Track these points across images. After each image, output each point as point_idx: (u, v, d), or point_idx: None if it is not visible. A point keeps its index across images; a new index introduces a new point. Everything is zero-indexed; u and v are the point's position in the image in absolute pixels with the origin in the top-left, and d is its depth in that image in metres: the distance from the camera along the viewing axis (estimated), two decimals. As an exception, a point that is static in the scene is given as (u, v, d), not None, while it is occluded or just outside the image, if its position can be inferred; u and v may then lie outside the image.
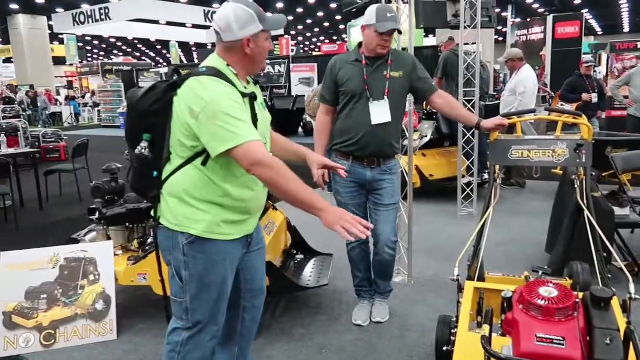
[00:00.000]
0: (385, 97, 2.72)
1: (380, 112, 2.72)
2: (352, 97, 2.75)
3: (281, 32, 21.95)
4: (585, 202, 2.51)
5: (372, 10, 2.69)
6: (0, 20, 24.22)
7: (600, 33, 34.87)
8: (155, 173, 1.82)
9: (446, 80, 5.54)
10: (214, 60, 1.82)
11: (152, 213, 1.89)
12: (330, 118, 2.88)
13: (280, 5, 22.98)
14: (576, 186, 2.59)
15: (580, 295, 1.84)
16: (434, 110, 5.82)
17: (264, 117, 1.90)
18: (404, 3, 3.46)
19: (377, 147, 2.76)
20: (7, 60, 27.14)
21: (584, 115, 2.61)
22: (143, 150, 1.80)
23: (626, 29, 33.80)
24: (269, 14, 1.84)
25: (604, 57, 15.65)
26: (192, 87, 1.70)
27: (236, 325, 2.11)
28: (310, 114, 6.56)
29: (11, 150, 6.27)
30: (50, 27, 22.78)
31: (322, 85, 2.94)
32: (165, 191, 1.81)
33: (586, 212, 2.42)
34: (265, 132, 1.88)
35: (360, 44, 2.82)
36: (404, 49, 3.45)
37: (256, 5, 1.80)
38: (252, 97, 1.80)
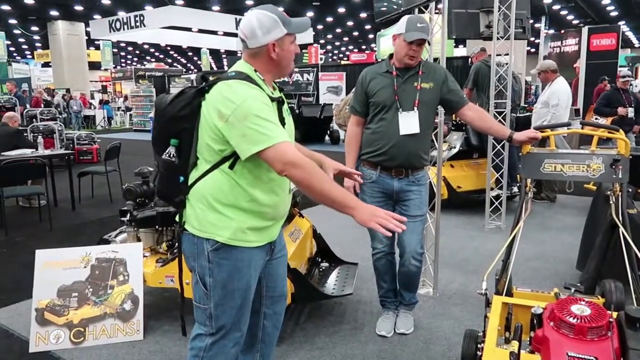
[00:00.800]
0: (415, 108, 2.71)
1: (409, 122, 2.72)
2: (382, 108, 2.75)
3: (310, 40, 22.13)
4: (620, 218, 2.44)
5: (404, 19, 2.70)
6: (40, 26, 25.14)
7: (637, 45, 33.96)
8: (182, 178, 1.82)
9: (477, 92, 5.48)
10: (241, 65, 1.83)
11: (177, 218, 1.89)
12: (361, 129, 2.88)
13: (310, 14, 23.18)
14: (611, 202, 2.52)
15: (614, 314, 1.79)
16: (463, 122, 5.78)
17: (290, 122, 1.92)
18: (437, 13, 3.45)
19: (406, 158, 2.75)
20: (46, 65, 28.10)
21: (621, 130, 2.54)
22: (170, 156, 1.81)
23: (665, 41, 32.87)
24: (294, 18, 1.85)
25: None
26: (221, 90, 1.71)
27: (257, 332, 2.11)
28: (339, 122, 6.55)
29: (47, 152, 6.46)
30: (87, 33, 23.50)
31: (353, 97, 2.96)
32: (191, 196, 1.81)
33: (621, 229, 2.36)
34: (291, 137, 1.88)
35: (391, 55, 2.82)
36: (435, 60, 3.44)
37: (280, 10, 1.81)
38: (280, 102, 1.83)
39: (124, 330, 2.98)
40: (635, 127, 6.61)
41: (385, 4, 4.09)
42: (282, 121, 1.81)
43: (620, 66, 11.78)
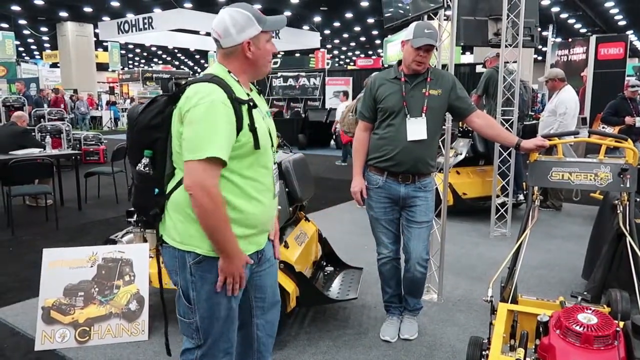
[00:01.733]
0: (423, 115, 2.72)
1: (416, 128, 2.72)
2: (390, 114, 2.76)
3: (317, 45, 22.19)
4: (628, 228, 2.43)
5: (412, 26, 2.73)
6: (49, 27, 25.33)
7: (644, 55, 33.83)
8: (157, 190, 1.74)
9: (486, 98, 5.46)
10: (214, 67, 1.77)
11: (156, 232, 1.80)
12: (369, 135, 2.89)
13: (317, 18, 23.27)
14: (619, 211, 2.52)
15: (621, 324, 1.79)
16: (470, 128, 5.78)
17: (265, 125, 1.80)
18: (445, 20, 3.46)
19: (413, 164, 2.75)
20: (54, 65, 28.30)
21: (629, 139, 2.54)
22: (144, 167, 1.73)
23: (673, 51, 32.70)
24: (269, 16, 1.79)
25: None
26: (187, 94, 1.64)
27: (252, 343, 2.03)
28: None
29: (55, 152, 6.51)
30: (96, 35, 23.67)
31: (362, 103, 2.97)
32: (169, 207, 1.73)
33: (629, 239, 2.35)
34: (267, 141, 1.78)
35: (400, 62, 2.83)
36: (443, 66, 3.45)
37: (254, 8, 1.75)
38: (252, 105, 1.71)
39: (129, 330, 2.99)
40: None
41: (392, 10, 4.11)
42: (253, 125, 1.69)
43: (628, 75, 11.74)
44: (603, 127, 6.58)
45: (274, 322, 2.08)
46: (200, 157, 1.56)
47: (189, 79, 1.74)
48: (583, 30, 25.11)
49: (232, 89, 1.67)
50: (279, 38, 20.90)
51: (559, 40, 15.92)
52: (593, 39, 11.32)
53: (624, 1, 19.50)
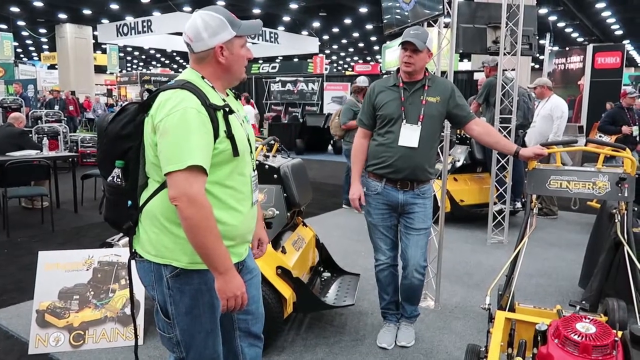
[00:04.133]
0: (419, 123, 2.72)
1: (409, 135, 2.72)
2: (389, 121, 2.76)
3: (315, 50, 22.24)
4: (626, 237, 2.43)
5: (404, 31, 2.75)
6: (48, 29, 25.31)
7: (641, 65, 34.09)
8: (130, 202, 1.67)
9: (487, 106, 5.47)
10: (187, 73, 1.69)
11: (130, 246, 1.74)
12: (367, 141, 2.89)
13: (316, 24, 23.33)
14: (616, 220, 2.52)
15: (619, 333, 1.78)
16: (468, 135, 5.79)
17: (243, 131, 1.73)
18: (445, 28, 3.48)
19: (411, 171, 2.75)
20: (52, 67, 28.27)
21: (627, 149, 2.55)
22: (116, 179, 1.65)
23: (669, 61, 32.97)
24: (244, 21, 1.73)
25: (645, 89, 15.31)
26: (159, 102, 1.57)
27: (237, 357, 1.93)
28: (332, 132, 6.72)
29: (52, 153, 6.48)
30: (95, 37, 23.67)
31: (361, 110, 2.97)
32: (143, 219, 1.65)
33: (626, 248, 2.35)
34: (245, 148, 1.71)
35: (399, 69, 2.84)
36: (443, 73, 3.46)
37: (227, 12, 1.67)
38: (228, 111, 1.63)
39: (124, 334, 2.97)
40: (639, 146, 6.61)
41: (392, 16, 4.12)
42: (230, 131, 1.61)
43: (624, 85, 11.80)
44: (600, 136, 6.61)
45: (259, 335, 1.98)
46: (180, 167, 1.48)
47: (162, 86, 1.67)
48: (580, 39, 25.26)
49: (206, 95, 1.59)
50: (278, 43, 20.96)
51: (556, 48, 16.01)
52: (590, 48, 11.39)
53: (621, 11, 19.65)
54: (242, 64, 1.73)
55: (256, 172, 1.83)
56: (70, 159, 6.99)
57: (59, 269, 3.02)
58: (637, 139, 6.44)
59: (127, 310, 3.00)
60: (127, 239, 3.34)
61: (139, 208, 1.66)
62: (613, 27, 22.66)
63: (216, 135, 1.58)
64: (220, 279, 1.57)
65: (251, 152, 1.79)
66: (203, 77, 1.67)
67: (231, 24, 1.65)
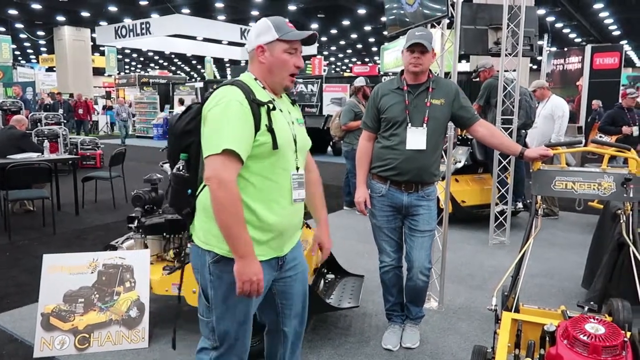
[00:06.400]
0: (424, 125, 2.73)
1: (416, 138, 2.72)
2: (393, 124, 2.76)
3: (314, 52, 22.26)
4: (631, 237, 2.44)
5: (407, 33, 2.75)
6: (46, 31, 25.29)
7: (639, 65, 34.18)
8: (190, 191, 1.83)
9: (488, 107, 5.47)
10: (243, 74, 1.85)
11: (187, 231, 1.89)
12: (372, 144, 2.89)
13: (314, 25, 23.36)
14: (622, 221, 2.52)
15: (628, 334, 1.79)
16: (469, 136, 5.81)
17: (289, 129, 1.82)
18: (449, 29, 3.49)
19: (416, 173, 2.75)
20: (50, 69, 28.24)
21: (632, 149, 2.55)
22: (180, 169, 1.83)
23: (666, 62, 33.10)
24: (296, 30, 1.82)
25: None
26: (210, 98, 1.74)
27: (277, 350, 2.07)
28: (332, 134, 6.74)
29: (53, 156, 6.47)
30: (93, 39, 23.65)
31: (365, 112, 2.98)
32: (197, 207, 1.81)
33: (632, 248, 2.35)
34: (288, 144, 1.79)
35: (402, 72, 2.84)
36: (447, 74, 3.46)
37: (282, 19, 1.81)
38: (272, 107, 1.74)
39: (129, 337, 2.96)
40: (639, 146, 6.63)
41: (394, 17, 4.13)
42: (271, 126, 1.72)
43: (622, 85, 11.83)
44: (601, 137, 6.62)
45: (300, 331, 2.08)
46: (216, 151, 1.61)
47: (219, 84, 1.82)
48: (578, 40, 25.35)
49: (252, 92, 1.73)
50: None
51: (554, 49, 16.05)
52: (588, 49, 11.41)
53: (619, 11, 19.73)
54: (284, 69, 1.81)
55: (302, 173, 1.90)
56: (70, 162, 6.98)
57: (63, 271, 3.01)
58: (638, 138, 6.44)
59: (132, 313, 3.00)
60: (131, 241, 3.36)
61: (195, 197, 1.82)
62: (611, 27, 22.75)
63: (258, 128, 1.69)
64: (239, 262, 1.66)
65: (296, 151, 1.86)
66: (256, 79, 1.81)
67: (277, 29, 1.78)
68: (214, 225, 1.70)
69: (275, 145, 1.71)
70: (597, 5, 18.49)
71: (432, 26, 3.52)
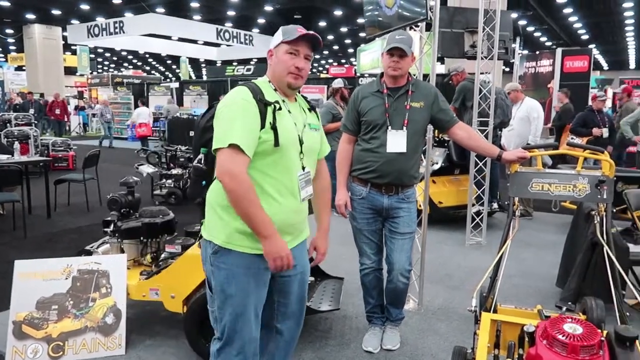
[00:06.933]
0: (404, 128, 2.74)
1: (396, 141, 2.74)
2: (373, 127, 2.77)
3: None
4: (605, 238, 2.50)
5: (388, 36, 2.76)
6: (15, 29, 24.58)
7: (606, 68, 35.21)
8: (204, 182, 2.01)
9: (464, 109, 5.55)
10: (261, 77, 1.97)
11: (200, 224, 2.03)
12: (352, 147, 2.90)
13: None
14: (596, 222, 2.58)
15: (604, 333, 1.83)
16: (446, 138, 5.88)
17: (294, 130, 1.88)
18: (427, 31, 3.52)
19: (396, 175, 2.77)
20: (19, 68, 27.47)
21: (605, 152, 2.62)
22: (199, 162, 2.03)
23: (632, 65, 34.16)
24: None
25: (610, 92, 15.80)
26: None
27: (268, 345, 2.11)
28: None
29: (24, 158, 6.29)
30: (64, 38, 23.10)
31: (345, 115, 2.98)
32: (206, 199, 1.92)
33: (606, 248, 2.41)
34: (291, 143, 1.86)
35: (382, 74, 2.85)
36: (425, 76, 3.49)
37: (294, 26, 1.89)
38: (278, 107, 1.83)
39: (105, 344, 2.90)
40: (609, 147, 6.82)
41: (370, 20, 4.14)
42: (274, 124, 1.79)
43: (592, 88, 12.16)
44: (572, 138, 6.79)
45: (294, 332, 2.14)
46: (223, 145, 1.71)
47: None
48: (548, 43, 25.94)
49: (262, 92, 1.83)
50: (253, 45, 20.84)
51: (525, 52, 16.38)
52: (559, 52, 11.69)
53: (587, 16, 20.28)
54: (284, 68, 1.88)
55: (309, 170, 1.98)
56: (41, 164, 6.79)
57: (36, 278, 2.93)
58: (607, 140, 6.63)
59: (108, 320, 2.93)
60: (107, 246, 3.29)
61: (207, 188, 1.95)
62: (580, 31, 23.36)
63: (262, 125, 1.78)
64: (266, 243, 1.76)
65: (302, 152, 1.92)
66: (269, 81, 1.92)
67: (284, 33, 1.88)
68: (213, 215, 1.84)
69: (276, 143, 1.79)
70: (567, 10, 18.97)
71: (411, 29, 3.54)
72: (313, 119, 2.05)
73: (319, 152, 2.12)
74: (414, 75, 3.16)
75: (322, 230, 2.25)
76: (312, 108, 2.08)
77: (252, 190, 1.73)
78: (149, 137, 14.79)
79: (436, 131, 4.57)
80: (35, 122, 11.21)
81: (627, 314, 2.34)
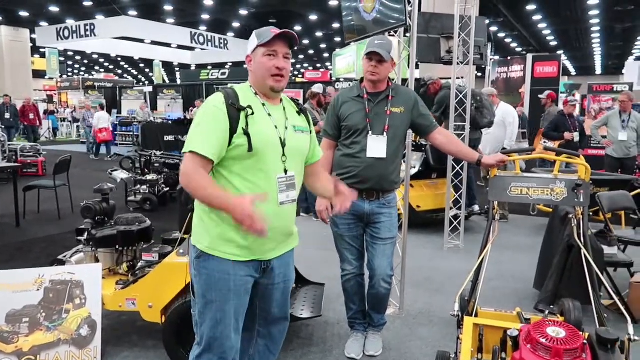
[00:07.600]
0: (385, 133, 2.74)
1: (376, 146, 2.74)
2: (354, 132, 2.76)
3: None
4: (582, 240, 2.54)
5: (368, 40, 2.77)
6: (-20, 31, 23.83)
7: (574, 74, 36.26)
8: None
9: (445, 117, 5.58)
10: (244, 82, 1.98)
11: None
12: (333, 152, 2.88)
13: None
14: (573, 225, 2.63)
15: (586, 335, 1.85)
16: (423, 142, 5.92)
17: (272, 133, 1.86)
18: (405, 36, 3.54)
19: (377, 181, 2.76)
20: (-16, 71, 26.62)
21: (581, 156, 2.67)
22: None
23: (598, 70, 35.29)
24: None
25: (578, 96, 16.26)
26: None
27: (249, 348, 2.10)
28: None
29: (-10, 164, 6.07)
30: (33, 40, 22.51)
31: (325, 120, 2.96)
32: (195, 205, 1.93)
33: (583, 251, 2.45)
34: (268, 147, 1.83)
35: (362, 79, 2.85)
36: (404, 81, 3.50)
37: (266, 28, 1.88)
38: (251, 113, 1.83)
39: (79, 357, 2.80)
40: (580, 150, 6.99)
41: (350, 25, 4.15)
42: (247, 129, 1.79)
43: (561, 92, 12.48)
44: (544, 142, 6.93)
45: (276, 337, 2.14)
46: (185, 151, 1.76)
47: None
48: (519, 49, 26.56)
49: (237, 97, 1.84)
50: (228, 49, 20.69)
51: (497, 58, 16.72)
52: (530, 58, 11.96)
53: (556, 23, 20.86)
54: (264, 70, 1.87)
55: (293, 174, 1.93)
56: (9, 170, 6.57)
57: (5, 290, 2.80)
58: (578, 144, 6.79)
59: (83, 332, 2.83)
60: (81, 255, 3.19)
61: None
62: (549, 38, 24.00)
63: (234, 131, 1.78)
64: (230, 211, 1.69)
65: (284, 154, 1.89)
66: (251, 86, 1.93)
67: (258, 37, 1.87)
68: (198, 219, 1.88)
69: (250, 148, 1.78)
70: (536, 17, 19.46)
71: (390, 34, 3.56)
72: (300, 122, 2.03)
73: (310, 155, 2.10)
74: (393, 80, 3.16)
75: (336, 188, 2.19)
76: (301, 111, 2.06)
77: (202, 177, 1.73)
78: (110, 142, 14.35)
79: (414, 135, 4.60)
80: (11, 127, 10.82)
81: (605, 315, 2.39)
